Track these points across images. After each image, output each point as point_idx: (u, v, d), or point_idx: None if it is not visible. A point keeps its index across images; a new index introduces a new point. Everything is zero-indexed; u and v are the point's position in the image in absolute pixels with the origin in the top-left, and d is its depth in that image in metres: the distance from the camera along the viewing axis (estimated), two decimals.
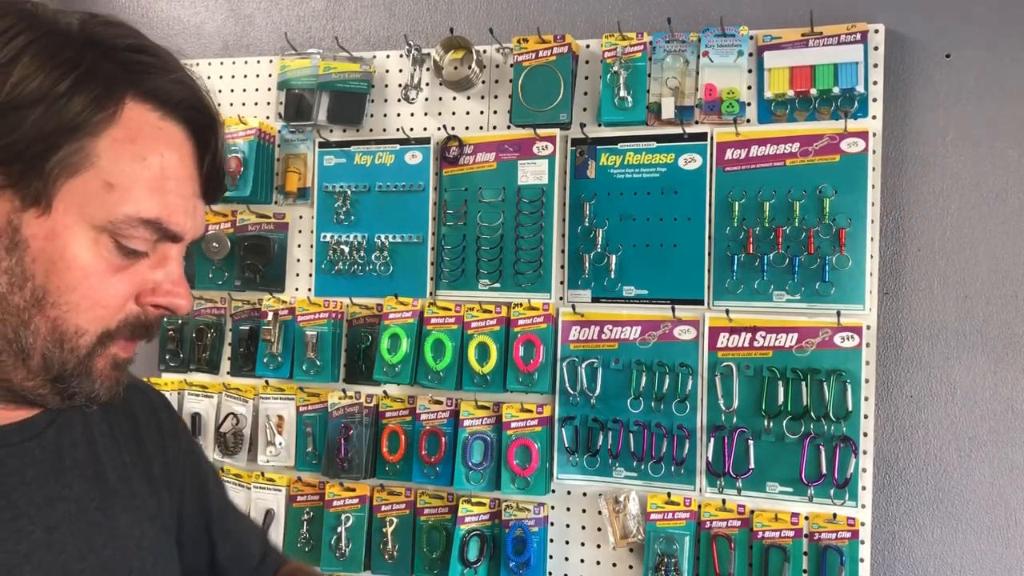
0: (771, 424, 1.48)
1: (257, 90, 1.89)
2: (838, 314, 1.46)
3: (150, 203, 0.66)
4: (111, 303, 0.66)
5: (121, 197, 0.64)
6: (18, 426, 0.72)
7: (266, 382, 1.81)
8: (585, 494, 1.61)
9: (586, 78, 1.65)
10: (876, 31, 1.49)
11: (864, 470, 1.44)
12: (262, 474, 1.79)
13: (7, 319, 0.63)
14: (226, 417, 1.81)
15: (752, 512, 1.49)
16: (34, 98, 0.61)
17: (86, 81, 0.62)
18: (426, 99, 1.76)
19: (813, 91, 1.49)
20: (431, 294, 1.72)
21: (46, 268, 0.63)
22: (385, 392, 1.74)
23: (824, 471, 1.45)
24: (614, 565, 1.58)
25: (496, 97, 1.72)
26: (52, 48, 0.62)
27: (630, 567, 1.57)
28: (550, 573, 1.62)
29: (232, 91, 1.91)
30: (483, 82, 1.72)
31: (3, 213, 0.62)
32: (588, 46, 1.66)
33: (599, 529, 1.60)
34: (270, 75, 1.87)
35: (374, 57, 1.80)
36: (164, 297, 0.69)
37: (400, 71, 1.78)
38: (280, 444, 1.78)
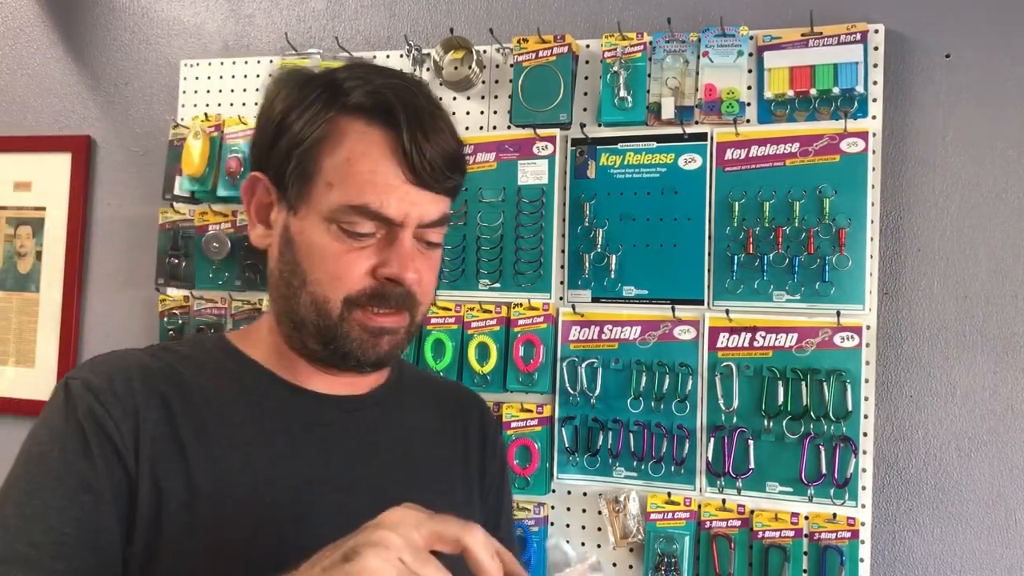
0: (771, 424, 1.48)
1: (257, 90, 1.89)
2: (838, 314, 1.46)
3: (355, 193, 0.81)
4: (347, 276, 0.83)
5: (336, 192, 0.82)
6: (351, 399, 0.92)
7: None
8: (585, 494, 1.61)
9: (586, 78, 1.65)
10: (876, 31, 1.49)
11: (864, 470, 1.44)
12: None
13: (292, 297, 0.85)
14: None
15: (752, 512, 1.49)
16: (282, 132, 0.83)
17: (305, 111, 0.83)
18: None
19: (813, 91, 1.49)
20: None
21: (305, 255, 0.83)
22: None
23: (824, 471, 1.45)
24: (614, 565, 1.58)
25: (496, 97, 1.72)
26: (295, 96, 0.84)
27: (630, 567, 1.57)
28: None
29: (232, 91, 1.91)
30: (483, 82, 1.72)
31: (281, 220, 0.85)
32: (588, 46, 1.66)
33: (599, 529, 1.60)
34: (270, 75, 1.86)
35: (374, 57, 1.80)
36: (391, 270, 0.83)
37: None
38: None
